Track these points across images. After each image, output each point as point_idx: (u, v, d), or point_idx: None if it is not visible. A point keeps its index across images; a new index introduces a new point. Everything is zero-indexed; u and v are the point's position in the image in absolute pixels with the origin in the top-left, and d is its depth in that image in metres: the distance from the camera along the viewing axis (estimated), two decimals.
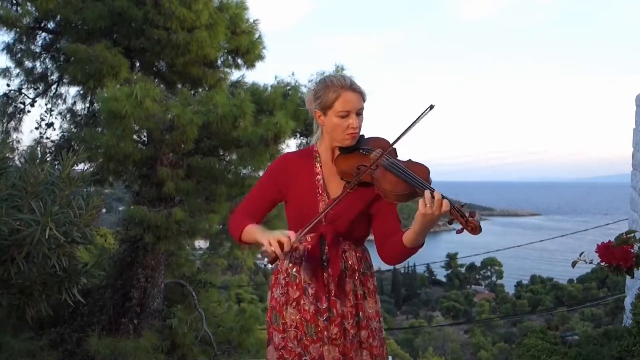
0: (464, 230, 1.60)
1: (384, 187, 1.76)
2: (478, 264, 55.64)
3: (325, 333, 1.87)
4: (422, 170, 1.79)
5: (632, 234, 2.34)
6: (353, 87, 1.85)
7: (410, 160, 1.86)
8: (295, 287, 1.91)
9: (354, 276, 1.92)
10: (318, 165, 1.94)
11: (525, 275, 53.24)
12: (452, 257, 55.32)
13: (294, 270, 1.93)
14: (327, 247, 1.89)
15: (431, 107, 1.74)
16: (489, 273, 57.18)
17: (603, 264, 2.33)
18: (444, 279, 57.65)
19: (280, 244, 1.68)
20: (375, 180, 1.79)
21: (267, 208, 1.99)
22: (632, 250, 2.29)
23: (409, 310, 46.13)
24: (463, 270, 56.88)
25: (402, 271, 52.96)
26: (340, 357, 1.88)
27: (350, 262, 1.92)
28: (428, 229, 1.69)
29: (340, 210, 1.84)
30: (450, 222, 1.66)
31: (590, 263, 2.33)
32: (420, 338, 31.24)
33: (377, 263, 2.04)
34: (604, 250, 2.32)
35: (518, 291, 48.09)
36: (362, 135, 1.94)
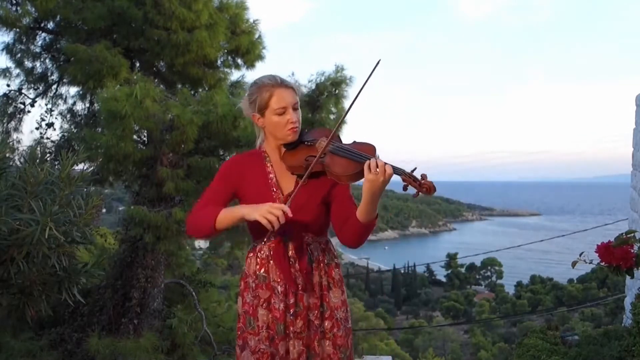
0: (419, 193, 1.64)
1: (335, 171, 1.80)
2: (478, 264, 55.67)
3: (292, 328, 1.90)
4: (368, 149, 1.82)
5: (632, 234, 2.34)
6: (284, 84, 1.90)
7: (354, 141, 1.90)
8: (265, 288, 1.94)
9: (319, 267, 1.95)
10: (269, 164, 1.98)
11: (525, 275, 53.22)
12: (452, 257, 55.32)
13: (262, 271, 1.95)
14: (290, 243, 1.92)
15: (378, 62, 1.77)
16: (489, 273, 57.21)
17: (603, 264, 2.33)
18: (444, 279, 57.66)
19: (276, 217, 1.70)
20: (326, 167, 1.83)
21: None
22: (632, 250, 2.30)
23: (409, 310, 46.17)
24: (463, 270, 56.89)
25: (402, 271, 52.93)
26: (304, 349, 1.90)
27: (315, 254, 1.95)
28: (377, 197, 1.73)
29: (298, 204, 1.84)
30: (404, 189, 1.69)
31: (590, 263, 2.33)
32: (420, 338, 31.26)
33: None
34: (604, 250, 2.33)
35: (518, 291, 48.12)
36: (304, 129, 1.99)
